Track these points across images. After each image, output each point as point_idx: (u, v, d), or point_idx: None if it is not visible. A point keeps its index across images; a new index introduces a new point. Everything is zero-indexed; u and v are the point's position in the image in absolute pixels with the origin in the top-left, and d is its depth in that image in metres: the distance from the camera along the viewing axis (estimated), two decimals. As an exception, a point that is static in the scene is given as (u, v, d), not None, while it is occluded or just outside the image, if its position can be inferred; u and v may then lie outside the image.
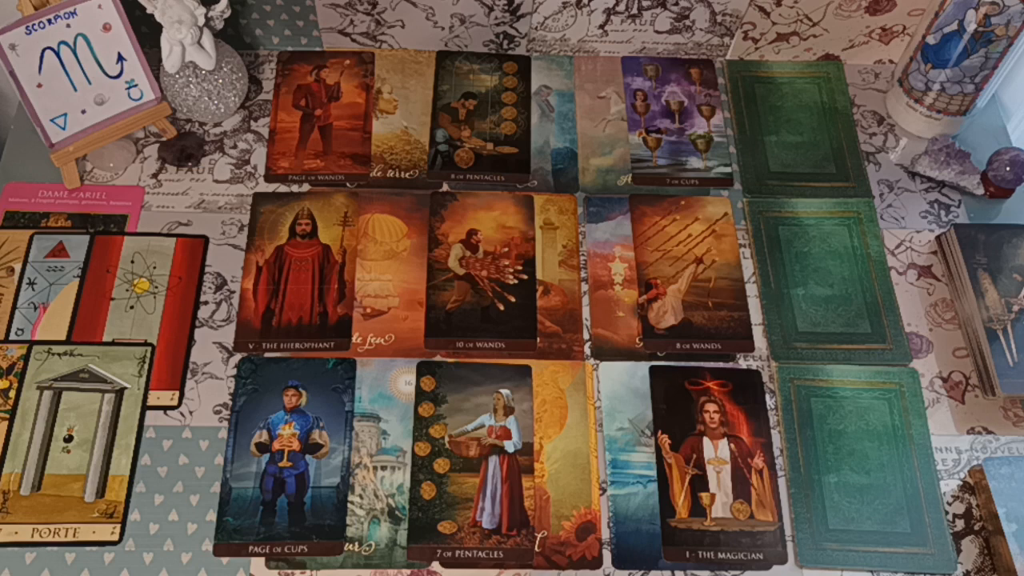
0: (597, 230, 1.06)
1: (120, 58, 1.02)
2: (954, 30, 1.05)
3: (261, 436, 0.91)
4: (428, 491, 0.89)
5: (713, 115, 1.15)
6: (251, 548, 0.86)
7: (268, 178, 1.08)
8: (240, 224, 1.04)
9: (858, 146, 1.13)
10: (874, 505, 0.90)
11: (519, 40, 1.17)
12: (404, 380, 0.95)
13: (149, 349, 0.95)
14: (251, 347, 0.96)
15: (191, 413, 0.93)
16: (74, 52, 0.99)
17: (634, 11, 1.13)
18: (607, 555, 0.88)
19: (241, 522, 0.87)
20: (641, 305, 1.01)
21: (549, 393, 0.95)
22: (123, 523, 0.87)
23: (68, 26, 0.97)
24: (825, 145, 1.13)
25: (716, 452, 0.92)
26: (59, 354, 0.94)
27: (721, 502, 0.90)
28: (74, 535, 0.86)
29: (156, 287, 0.99)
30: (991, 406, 0.97)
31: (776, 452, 0.93)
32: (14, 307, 0.97)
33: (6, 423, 0.90)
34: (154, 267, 1.00)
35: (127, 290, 0.99)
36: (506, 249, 1.03)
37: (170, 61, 1.02)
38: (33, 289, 0.98)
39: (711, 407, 0.94)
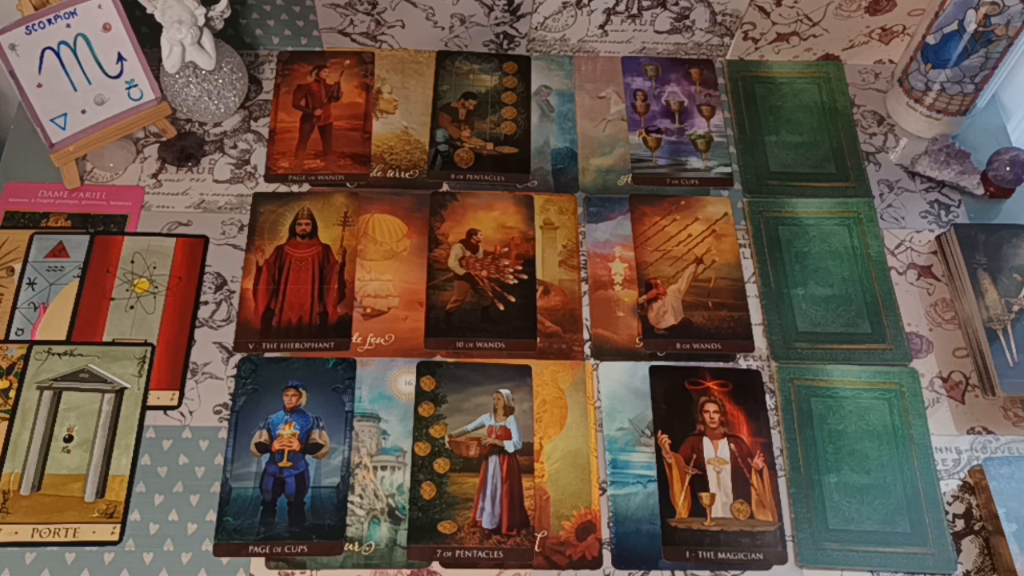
0: (597, 230, 1.06)
1: (120, 58, 1.02)
2: (954, 30, 1.05)
3: (261, 436, 0.91)
4: (428, 491, 0.89)
5: (713, 115, 1.15)
6: (251, 548, 0.86)
7: (268, 178, 1.08)
8: (240, 224, 1.04)
9: (858, 146, 1.13)
10: (874, 505, 0.90)
11: (519, 40, 1.17)
12: (404, 380, 0.95)
13: (149, 349, 0.95)
14: (251, 347, 0.96)
15: (191, 413, 0.93)
16: (74, 52, 0.99)
17: (634, 11, 1.13)
18: (607, 555, 0.88)
19: (241, 522, 0.87)
20: (641, 305, 1.01)
21: (549, 393, 0.95)
22: (123, 523, 0.87)
23: (68, 26, 0.97)
24: (825, 145, 1.13)
25: (716, 452, 0.92)
26: (59, 354, 0.94)
27: (721, 502, 0.90)
28: (74, 535, 0.86)
29: (156, 287, 0.99)
30: (991, 406, 0.97)
31: (776, 452, 0.93)
32: (14, 307, 0.97)
33: (6, 423, 0.90)
34: (154, 267, 1.00)
35: (127, 290, 0.99)
36: (506, 249, 1.03)
37: (170, 61, 1.02)
38: (33, 289, 0.98)
39: (711, 407, 0.94)
